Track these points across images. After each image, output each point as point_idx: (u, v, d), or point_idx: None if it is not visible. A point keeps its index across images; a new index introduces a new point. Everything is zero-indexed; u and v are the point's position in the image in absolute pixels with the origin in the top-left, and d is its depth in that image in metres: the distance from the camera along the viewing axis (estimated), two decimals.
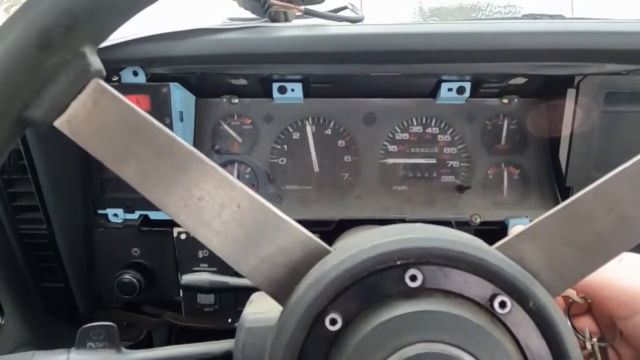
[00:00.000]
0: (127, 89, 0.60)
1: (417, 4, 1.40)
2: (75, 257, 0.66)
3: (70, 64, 0.23)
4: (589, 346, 0.32)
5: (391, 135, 0.71)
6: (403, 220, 0.66)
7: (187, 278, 0.56)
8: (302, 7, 0.65)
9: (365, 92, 0.70)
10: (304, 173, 0.71)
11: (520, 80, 0.65)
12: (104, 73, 0.25)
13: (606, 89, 0.61)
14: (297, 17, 0.68)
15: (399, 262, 0.23)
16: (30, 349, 0.31)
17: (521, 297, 0.23)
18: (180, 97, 0.63)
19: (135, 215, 0.66)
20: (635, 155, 0.24)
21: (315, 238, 0.26)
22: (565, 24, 0.59)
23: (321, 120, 0.71)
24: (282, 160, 0.71)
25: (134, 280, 0.64)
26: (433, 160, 0.71)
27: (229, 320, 0.69)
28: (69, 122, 0.24)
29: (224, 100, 0.71)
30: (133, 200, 0.65)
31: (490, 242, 0.25)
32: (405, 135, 0.71)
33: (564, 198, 0.64)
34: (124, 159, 0.25)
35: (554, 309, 0.23)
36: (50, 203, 0.62)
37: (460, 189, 0.69)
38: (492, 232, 0.68)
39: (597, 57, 0.57)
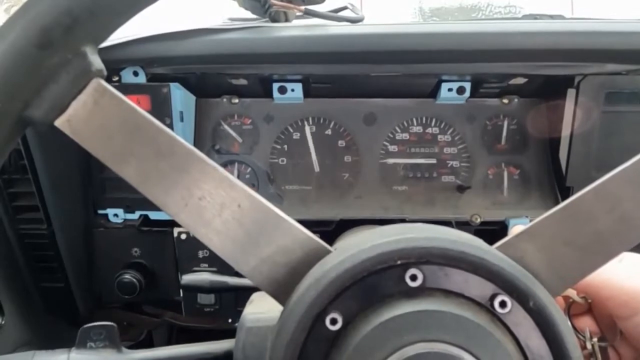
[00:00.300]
0: (127, 89, 0.60)
1: (417, 4, 1.40)
2: (75, 257, 0.66)
3: (70, 63, 0.23)
4: (589, 346, 0.32)
5: (391, 135, 0.71)
6: (403, 220, 0.66)
7: (187, 278, 0.56)
8: (302, 7, 0.65)
9: (365, 92, 0.70)
10: (304, 173, 0.71)
11: (521, 80, 0.65)
12: (105, 73, 0.25)
13: (606, 89, 0.61)
14: (297, 17, 0.68)
15: (399, 262, 0.23)
16: (31, 349, 0.31)
17: (521, 296, 0.23)
18: (180, 97, 0.63)
19: (136, 215, 0.66)
20: (635, 155, 0.24)
21: (315, 238, 0.26)
22: (565, 24, 0.59)
23: (321, 120, 0.71)
24: (283, 160, 0.71)
25: (134, 280, 0.64)
26: (433, 160, 0.71)
27: (229, 320, 0.69)
28: (70, 121, 0.24)
29: (224, 100, 0.71)
30: (133, 200, 0.65)
31: (491, 242, 0.25)
32: (406, 135, 0.71)
33: (564, 198, 0.64)
34: (124, 159, 0.25)
35: (555, 308, 0.23)
36: (50, 203, 0.62)
37: (461, 189, 0.69)
38: (492, 232, 0.68)
39: (597, 57, 0.57)
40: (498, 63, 0.58)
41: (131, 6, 0.25)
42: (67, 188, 0.64)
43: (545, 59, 0.58)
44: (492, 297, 0.23)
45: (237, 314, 0.61)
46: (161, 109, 0.60)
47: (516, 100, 0.70)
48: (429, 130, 0.71)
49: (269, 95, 0.68)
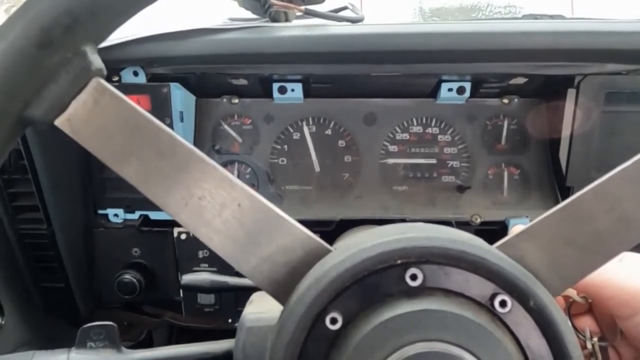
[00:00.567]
0: (127, 89, 0.60)
1: (417, 4, 1.40)
2: (75, 257, 0.66)
3: (70, 63, 0.23)
4: (589, 346, 0.32)
5: (391, 136, 0.71)
6: (403, 220, 0.65)
7: (187, 278, 0.56)
8: (303, 7, 0.65)
9: (365, 92, 0.70)
10: (304, 173, 0.71)
11: (521, 80, 0.65)
12: (105, 72, 0.25)
13: (606, 89, 0.61)
14: (298, 17, 0.68)
15: (399, 261, 0.23)
16: (31, 349, 0.31)
17: (522, 296, 0.23)
18: (180, 97, 0.63)
19: (136, 215, 0.66)
20: (635, 155, 0.24)
21: (315, 237, 0.26)
22: (565, 24, 0.59)
23: (321, 121, 0.71)
24: (283, 160, 0.71)
25: (134, 280, 0.64)
26: (433, 161, 0.71)
27: (229, 320, 0.69)
28: (70, 121, 0.24)
29: (224, 100, 0.71)
30: (133, 200, 0.65)
31: (491, 242, 0.25)
32: (406, 136, 0.71)
33: (564, 198, 0.64)
34: (124, 158, 0.25)
35: (555, 308, 0.23)
36: (50, 203, 0.62)
37: (461, 189, 0.69)
38: (493, 232, 0.68)
39: (597, 57, 0.57)
40: (498, 63, 0.58)
41: (131, 6, 0.25)
42: (67, 188, 0.64)
43: (546, 59, 0.58)
44: (493, 297, 0.23)
45: (237, 314, 0.61)
46: (161, 109, 0.60)
47: (516, 100, 0.70)
48: (429, 130, 0.71)
49: (269, 95, 0.68)
